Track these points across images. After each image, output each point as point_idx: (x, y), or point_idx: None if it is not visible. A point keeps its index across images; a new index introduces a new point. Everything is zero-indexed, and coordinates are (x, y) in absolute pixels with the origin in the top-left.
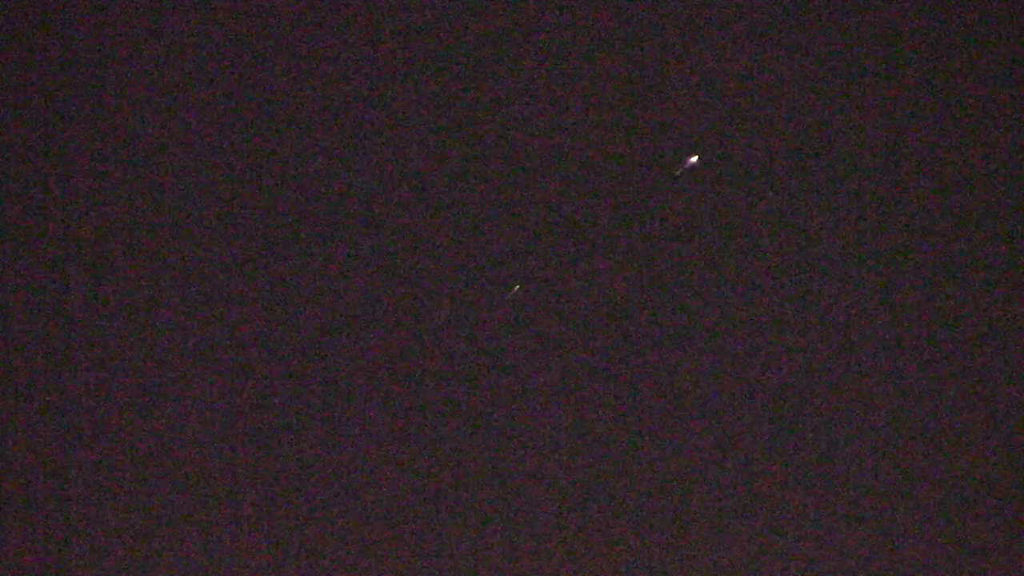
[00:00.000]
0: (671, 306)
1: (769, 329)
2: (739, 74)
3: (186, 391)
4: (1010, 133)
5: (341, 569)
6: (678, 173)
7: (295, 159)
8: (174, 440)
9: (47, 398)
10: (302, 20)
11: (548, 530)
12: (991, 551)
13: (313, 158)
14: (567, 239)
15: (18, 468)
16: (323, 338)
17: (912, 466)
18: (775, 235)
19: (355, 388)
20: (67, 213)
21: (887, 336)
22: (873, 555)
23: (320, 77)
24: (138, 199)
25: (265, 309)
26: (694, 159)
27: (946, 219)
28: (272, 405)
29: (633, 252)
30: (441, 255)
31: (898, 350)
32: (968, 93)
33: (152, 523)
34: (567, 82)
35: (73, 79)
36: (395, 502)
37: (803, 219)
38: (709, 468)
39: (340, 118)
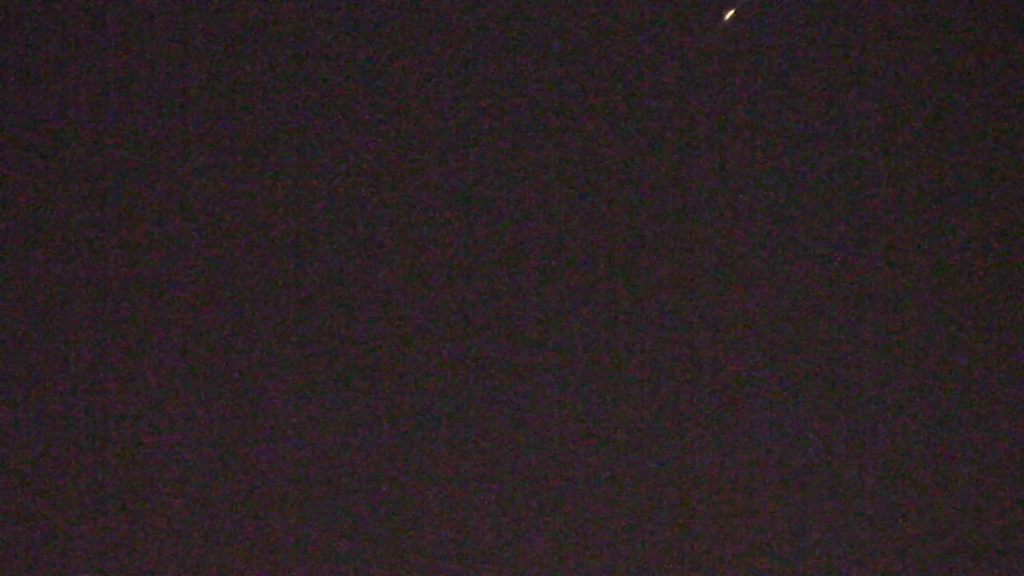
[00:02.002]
0: (670, 303)
1: (768, 328)
2: (736, 74)
3: (182, 391)
4: (1011, 132)
5: (340, 569)
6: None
7: (295, 159)
8: (172, 440)
9: (45, 398)
10: (301, 20)
11: (547, 530)
12: (991, 551)
13: (312, 159)
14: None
15: (16, 468)
16: (321, 336)
17: (912, 466)
18: (771, 230)
19: (354, 387)
20: (65, 212)
21: (886, 335)
22: (873, 555)
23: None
24: (135, 197)
25: (264, 308)
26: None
27: (946, 217)
28: (271, 404)
29: (633, 250)
30: (437, 253)
31: (896, 350)
32: (968, 93)
33: (149, 523)
34: (565, 81)
35: (71, 78)
36: (393, 501)
37: (800, 217)
38: (709, 467)
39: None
